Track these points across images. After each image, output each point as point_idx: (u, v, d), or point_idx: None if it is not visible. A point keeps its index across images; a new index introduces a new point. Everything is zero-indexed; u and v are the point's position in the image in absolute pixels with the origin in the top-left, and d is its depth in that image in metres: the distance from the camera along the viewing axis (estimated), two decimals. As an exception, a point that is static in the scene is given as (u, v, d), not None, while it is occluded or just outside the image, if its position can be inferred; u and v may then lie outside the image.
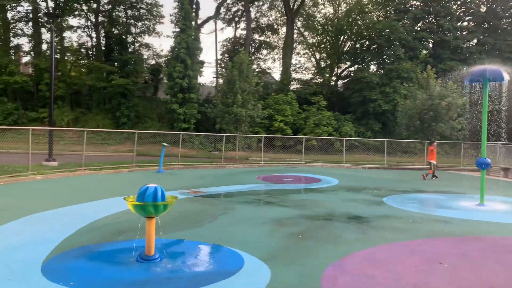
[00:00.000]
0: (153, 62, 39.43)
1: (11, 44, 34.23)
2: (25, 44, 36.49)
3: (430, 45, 39.05)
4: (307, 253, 5.71)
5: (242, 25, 43.71)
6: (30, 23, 34.37)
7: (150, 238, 4.97)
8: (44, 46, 34.22)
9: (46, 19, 31.12)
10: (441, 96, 24.20)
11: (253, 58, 41.98)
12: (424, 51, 38.91)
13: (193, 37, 31.03)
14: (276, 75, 46.74)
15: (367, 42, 39.54)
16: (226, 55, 41.91)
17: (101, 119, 31.86)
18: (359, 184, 15.03)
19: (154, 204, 4.77)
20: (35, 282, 4.17)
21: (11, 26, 34.12)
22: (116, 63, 33.62)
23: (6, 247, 5.38)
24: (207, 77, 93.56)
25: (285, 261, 5.30)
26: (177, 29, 31.35)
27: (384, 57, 37.73)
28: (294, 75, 43.38)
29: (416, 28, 38.94)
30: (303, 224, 7.75)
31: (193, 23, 32.76)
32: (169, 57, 33.66)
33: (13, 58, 33.23)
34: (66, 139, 29.06)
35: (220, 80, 34.69)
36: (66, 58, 35.46)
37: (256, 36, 44.54)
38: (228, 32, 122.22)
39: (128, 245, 5.72)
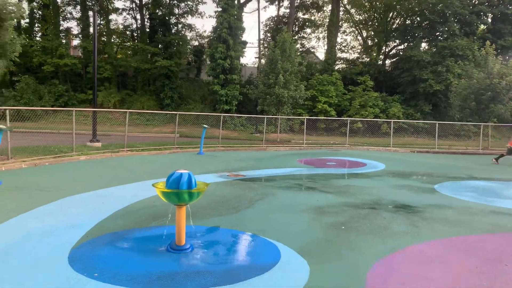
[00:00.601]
0: (196, 43, 39.43)
1: (61, 28, 35.32)
2: (74, 27, 37.63)
3: (489, 19, 36.07)
4: (350, 247, 5.20)
5: (286, 3, 42.57)
6: (78, 7, 35.25)
7: (180, 227, 4.66)
8: (92, 29, 35.01)
9: (92, 1, 31.68)
10: (501, 75, 22.27)
11: (296, 37, 40.86)
12: (482, 26, 36.06)
13: (235, 16, 30.47)
14: (321, 54, 45.42)
15: (418, 18, 37.22)
16: (268, 35, 41.05)
17: (146, 100, 32.38)
18: (408, 169, 14.13)
19: (189, 192, 4.43)
20: (60, 271, 3.98)
21: (61, 10, 35.16)
22: (160, 45, 33.86)
23: (38, 231, 5.30)
24: (250, 57, 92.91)
25: (326, 256, 4.83)
26: (219, 9, 30.90)
27: (437, 34, 35.35)
28: (339, 55, 41.81)
29: (473, 1, 36.06)
30: (346, 213, 7.21)
31: (236, 2, 32.13)
32: (211, 37, 33.40)
33: (63, 41, 34.33)
34: (113, 120, 29.85)
35: (263, 61, 34.04)
36: (112, 40, 36.19)
37: (300, 15, 43.22)
38: (271, 11, 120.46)
39: (160, 232, 5.48)
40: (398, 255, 5.00)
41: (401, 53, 38.67)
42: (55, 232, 5.29)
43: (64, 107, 28.48)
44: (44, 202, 6.92)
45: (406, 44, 38.32)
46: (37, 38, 34.52)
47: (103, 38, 34.62)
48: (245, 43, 35.24)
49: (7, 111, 10.52)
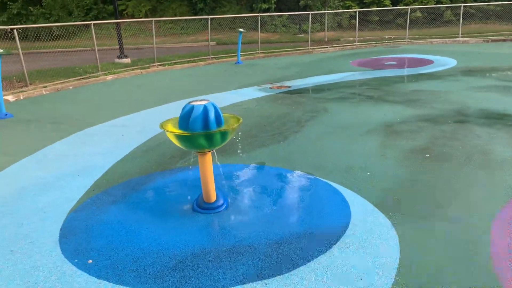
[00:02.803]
0: None
1: None
2: None
3: None
4: (448, 191, 3.68)
5: None
6: None
7: (207, 181, 3.32)
8: None
9: None
10: None
11: None
12: None
13: None
14: None
15: None
16: None
17: (178, 7, 29.97)
18: (487, 63, 11.73)
19: (206, 134, 2.99)
20: (43, 256, 2.85)
21: None
22: None
23: (37, 183, 4.20)
24: None
25: (415, 210, 3.36)
26: None
27: None
28: None
29: None
30: (425, 131, 5.57)
31: None
32: None
33: None
34: (146, 31, 28.15)
35: None
36: None
37: None
38: None
39: (186, 177, 4.22)
40: (522, 201, 3.43)
41: None
42: (56, 184, 4.18)
43: (94, 21, 26.95)
44: (56, 138, 5.83)
45: None
46: None
47: None
48: None
49: (15, 31, 9.21)
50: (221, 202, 3.45)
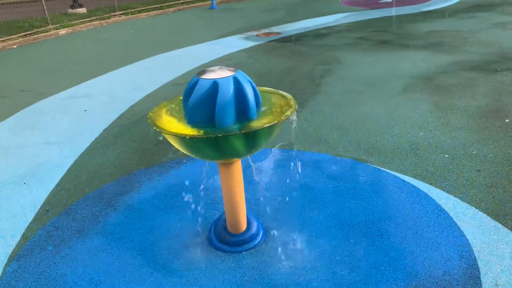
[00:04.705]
0: None
1: None
2: None
3: None
4: None
5: None
6: None
7: (235, 205, 2.00)
8: None
9: None
10: None
11: None
12: None
13: None
14: None
15: None
16: None
17: None
18: (494, -3, 10.49)
19: (249, 133, 1.57)
20: None
21: None
22: None
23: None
24: None
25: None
26: None
27: None
28: None
29: None
30: (479, 85, 4.36)
31: None
32: None
33: None
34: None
35: None
36: None
37: None
38: None
39: (186, 177, 2.88)
40: None
41: None
42: (-11, 202, 2.76)
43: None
44: (-8, 121, 4.29)
45: None
46: None
47: None
48: None
49: None
50: (254, 229, 2.16)
